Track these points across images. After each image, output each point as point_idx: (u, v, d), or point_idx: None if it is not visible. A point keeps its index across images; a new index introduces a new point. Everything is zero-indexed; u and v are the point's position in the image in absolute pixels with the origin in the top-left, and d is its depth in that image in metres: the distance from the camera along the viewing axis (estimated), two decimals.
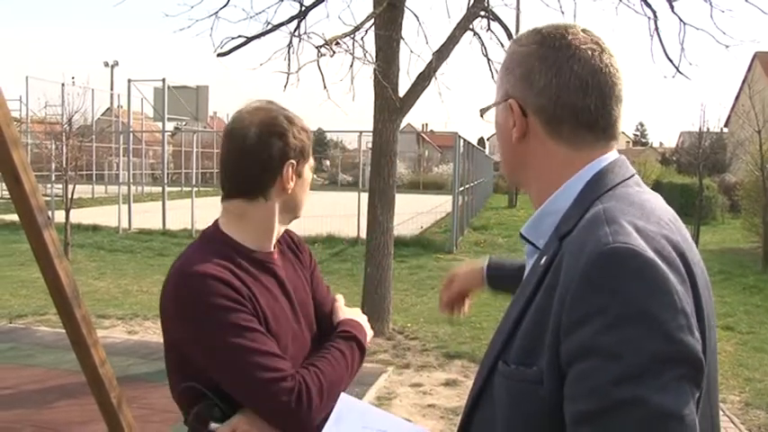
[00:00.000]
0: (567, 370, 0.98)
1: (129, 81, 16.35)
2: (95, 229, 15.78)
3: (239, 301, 1.57)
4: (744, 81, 31.80)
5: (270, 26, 6.81)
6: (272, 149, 1.65)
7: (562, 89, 1.13)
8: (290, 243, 1.88)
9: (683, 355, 0.94)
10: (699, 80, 7.96)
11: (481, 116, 1.33)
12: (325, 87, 6.15)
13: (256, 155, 1.65)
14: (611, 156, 1.18)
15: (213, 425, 1.59)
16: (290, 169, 1.68)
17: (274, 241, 1.77)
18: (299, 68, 6.29)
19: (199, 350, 1.59)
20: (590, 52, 1.14)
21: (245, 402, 1.59)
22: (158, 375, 5.98)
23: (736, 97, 35.41)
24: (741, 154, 20.06)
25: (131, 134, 17.77)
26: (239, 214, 1.70)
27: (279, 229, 1.76)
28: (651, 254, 0.98)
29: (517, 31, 8.67)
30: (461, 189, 16.13)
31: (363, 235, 7.42)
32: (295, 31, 6.73)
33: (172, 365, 1.67)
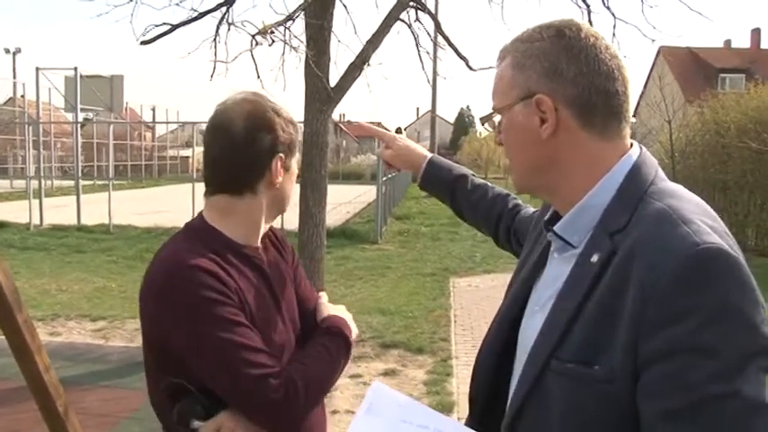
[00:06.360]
0: (644, 368, 0.98)
1: (38, 69, 15.57)
2: (3, 226, 14.91)
3: (227, 294, 1.52)
4: (650, 72, 33.12)
5: (196, 13, 6.59)
6: (260, 144, 1.60)
7: (594, 75, 1.12)
8: (274, 239, 1.83)
9: (766, 348, 0.97)
10: None
11: (483, 124, 1.30)
12: (258, 77, 6.01)
13: (244, 150, 1.59)
14: (636, 147, 1.19)
15: (196, 423, 1.53)
16: (279, 163, 1.63)
17: (261, 236, 1.73)
18: (235, 58, 6.12)
19: (184, 345, 1.52)
20: (603, 41, 1.15)
21: (231, 398, 1.53)
22: (89, 378, 5.70)
23: (644, 86, 36.97)
24: (651, 142, 20.90)
25: (41, 126, 16.94)
26: (226, 209, 1.65)
27: (265, 225, 1.72)
28: (734, 253, 0.99)
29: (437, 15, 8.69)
30: (384, 179, 16.17)
31: (288, 226, 7.30)
32: (222, 18, 6.54)
33: (152, 364, 1.61)
